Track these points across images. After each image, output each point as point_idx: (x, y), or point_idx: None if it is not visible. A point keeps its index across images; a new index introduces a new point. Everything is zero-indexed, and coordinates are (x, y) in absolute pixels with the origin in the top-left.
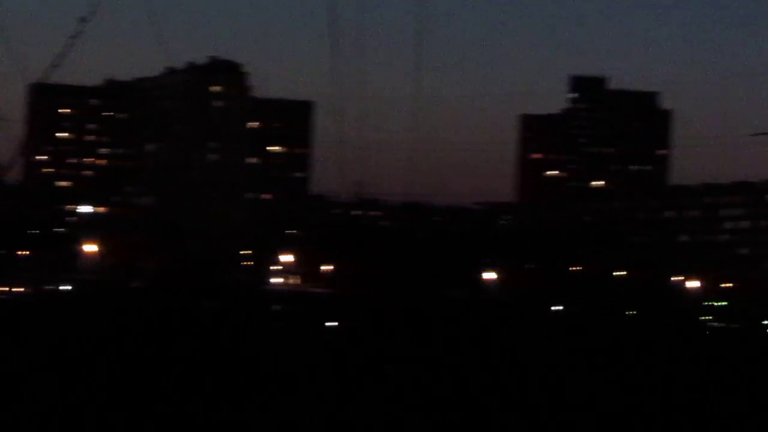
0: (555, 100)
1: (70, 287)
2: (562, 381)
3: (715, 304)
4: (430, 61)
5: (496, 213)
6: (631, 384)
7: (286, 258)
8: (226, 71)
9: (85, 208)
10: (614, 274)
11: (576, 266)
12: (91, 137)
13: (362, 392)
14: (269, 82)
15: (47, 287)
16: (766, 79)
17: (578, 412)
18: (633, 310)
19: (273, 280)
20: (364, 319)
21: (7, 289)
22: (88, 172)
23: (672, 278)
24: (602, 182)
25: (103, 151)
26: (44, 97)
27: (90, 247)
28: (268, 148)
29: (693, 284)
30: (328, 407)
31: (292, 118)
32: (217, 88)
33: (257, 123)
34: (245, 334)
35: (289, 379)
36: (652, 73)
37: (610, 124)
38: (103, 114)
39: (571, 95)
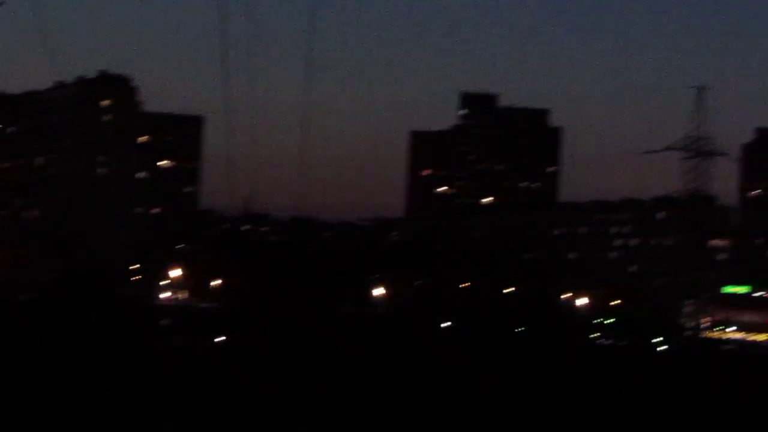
0: (445, 116)
1: None
2: (446, 397)
3: (605, 321)
4: (321, 76)
5: (385, 229)
6: (517, 400)
7: (175, 272)
8: (116, 85)
9: None
10: (504, 290)
11: (465, 282)
12: None
13: (247, 406)
14: (159, 96)
15: None
16: (655, 96)
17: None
18: (522, 327)
19: (162, 295)
20: (251, 334)
21: None
22: None
23: (562, 295)
24: (492, 198)
25: None
26: None
27: None
28: (157, 162)
29: (582, 301)
30: (213, 420)
31: (182, 132)
32: (106, 102)
33: (147, 137)
34: (133, 347)
35: (176, 392)
36: (542, 91)
37: (500, 140)
38: None
39: (461, 112)
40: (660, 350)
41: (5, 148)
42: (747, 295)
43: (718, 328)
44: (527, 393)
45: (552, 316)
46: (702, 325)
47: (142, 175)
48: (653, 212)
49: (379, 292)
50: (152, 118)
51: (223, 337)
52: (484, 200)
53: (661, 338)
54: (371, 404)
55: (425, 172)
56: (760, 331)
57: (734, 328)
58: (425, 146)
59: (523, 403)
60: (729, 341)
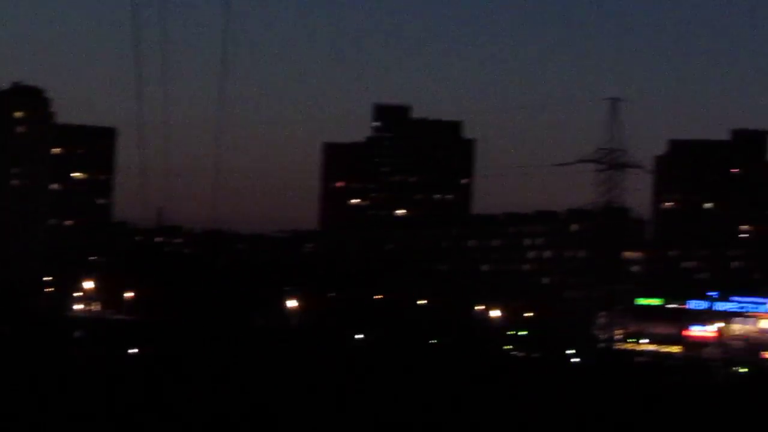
0: (359, 128)
1: None
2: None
3: (518, 333)
4: (234, 88)
5: (298, 241)
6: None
7: (88, 284)
8: (29, 96)
9: None
10: (417, 302)
11: (378, 294)
12: None
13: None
14: (72, 108)
15: None
16: (568, 108)
17: None
18: (435, 339)
19: (75, 307)
20: (164, 346)
21: None
22: None
23: (475, 307)
24: (405, 211)
25: None
26: None
27: None
28: (70, 174)
29: (495, 313)
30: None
31: (96, 144)
32: (19, 114)
33: (60, 149)
34: (47, 359)
35: (90, 403)
36: (455, 103)
37: (414, 152)
38: None
39: (374, 124)
40: (573, 362)
41: None
42: (660, 307)
43: (631, 340)
44: (440, 404)
45: (465, 328)
46: (615, 337)
47: (55, 186)
48: (567, 224)
49: (292, 304)
50: (65, 129)
51: (136, 350)
52: (398, 212)
53: (574, 350)
54: (286, 419)
55: (338, 184)
56: (672, 343)
57: (647, 340)
58: (338, 158)
59: (437, 415)
60: (642, 353)
